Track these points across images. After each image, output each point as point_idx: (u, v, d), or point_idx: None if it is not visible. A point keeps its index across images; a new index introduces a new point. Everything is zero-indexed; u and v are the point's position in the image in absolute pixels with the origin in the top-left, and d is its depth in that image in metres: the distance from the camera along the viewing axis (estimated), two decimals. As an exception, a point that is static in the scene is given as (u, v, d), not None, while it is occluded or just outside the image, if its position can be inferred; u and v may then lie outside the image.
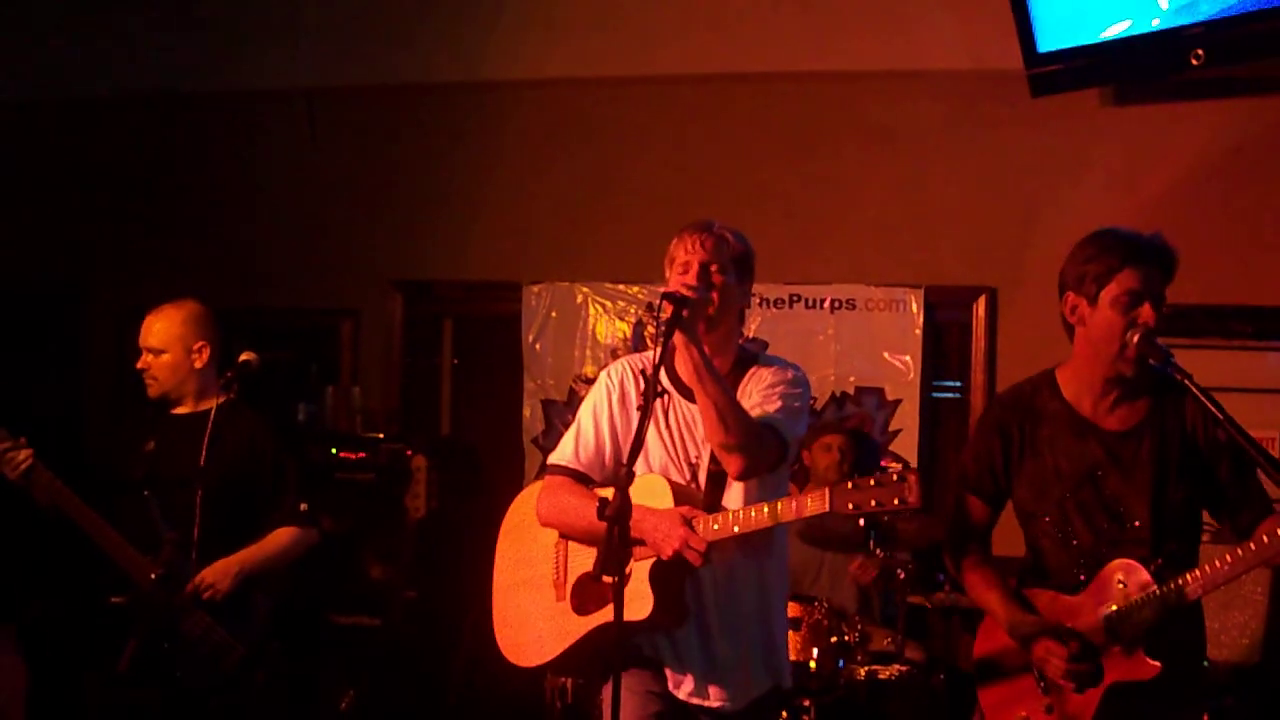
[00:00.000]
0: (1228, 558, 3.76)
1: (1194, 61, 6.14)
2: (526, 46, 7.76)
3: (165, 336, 5.18)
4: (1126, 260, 3.92)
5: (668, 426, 4.16)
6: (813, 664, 5.81)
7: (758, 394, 4.15)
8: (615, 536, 3.61)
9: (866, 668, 5.95)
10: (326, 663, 6.77)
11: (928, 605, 6.28)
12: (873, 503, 3.73)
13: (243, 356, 5.03)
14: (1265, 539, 3.68)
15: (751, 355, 4.31)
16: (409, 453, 7.20)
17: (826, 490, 3.81)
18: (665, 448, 4.14)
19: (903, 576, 6.18)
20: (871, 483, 3.74)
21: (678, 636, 4.11)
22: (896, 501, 3.72)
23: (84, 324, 8.37)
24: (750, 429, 3.96)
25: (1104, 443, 3.97)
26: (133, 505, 4.99)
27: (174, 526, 4.87)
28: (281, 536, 5.16)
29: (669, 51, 7.57)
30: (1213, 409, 3.75)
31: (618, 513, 3.61)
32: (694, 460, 4.15)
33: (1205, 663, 4.11)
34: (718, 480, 4.11)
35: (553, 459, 4.33)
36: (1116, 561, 3.90)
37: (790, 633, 5.72)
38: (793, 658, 5.72)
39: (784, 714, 5.77)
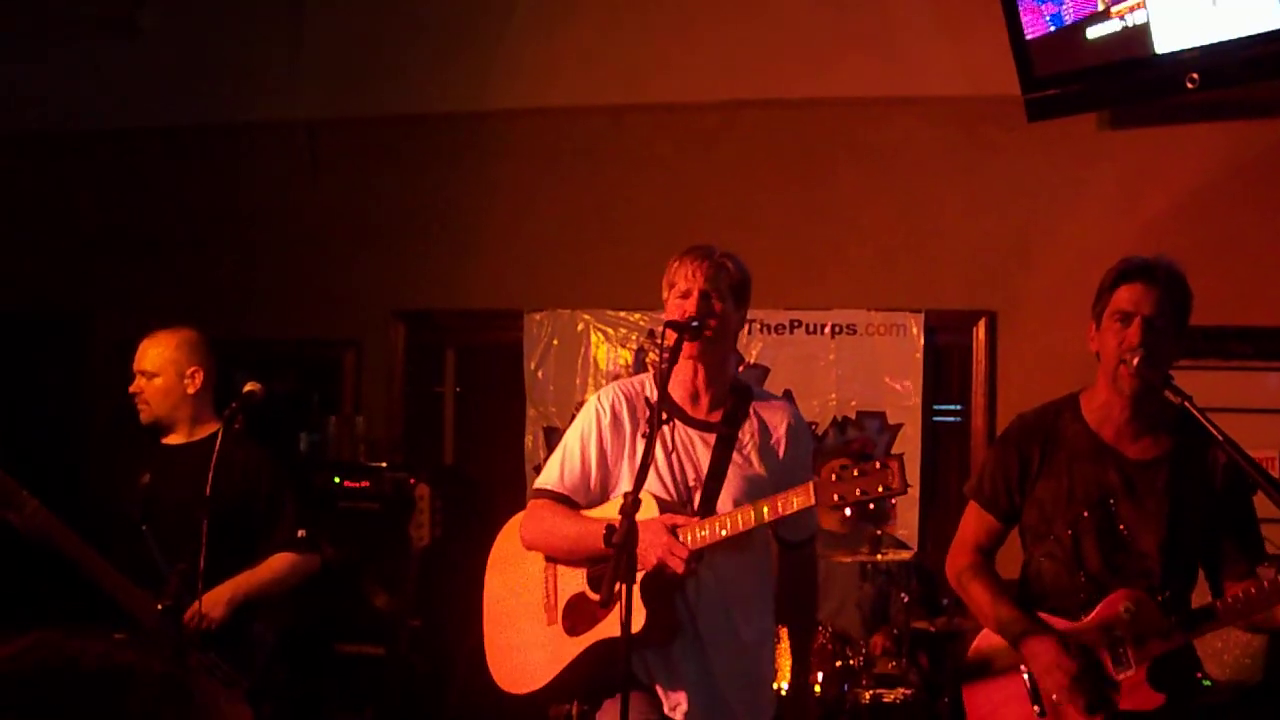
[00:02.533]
0: (1251, 589, 3.78)
1: (1189, 85, 6.17)
2: (525, 75, 7.78)
3: (159, 361, 5.17)
4: (1117, 280, 3.95)
5: (665, 451, 4.18)
6: (817, 688, 5.81)
7: (796, 456, 4.22)
8: (623, 563, 3.62)
9: (871, 691, 5.96)
10: (331, 692, 6.77)
11: (931, 629, 6.28)
12: (858, 491, 3.74)
13: (247, 387, 4.93)
14: (1267, 584, 3.72)
15: (745, 388, 4.34)
16: (412, 481, 7.20)
17: (811, 484, 3.83)
18: (660, 474, 4.15)
19: (906, 600, 6.20)
20: (855, 473, 3.75)
21: (672, 657, 4.12)
22: (881, 488, 3.72)
23: (86, 351, 8.37)
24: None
25: (1122, 470, 3.98)
26: (129, 541, 4.96)
27: (173, 560, 4.85)
28: (277, 562, 5.12)
29: (668, 79, 7.60)
30: (1213, 431, 3.77)
31: (625, 539, 3.63)
32: (690, 484, 4.17)
33: (1206, 682, 4.13)
34: (711, 503, 4.12)
35: (538, 483, 4.36)
36: (1124, 590, 3.91)
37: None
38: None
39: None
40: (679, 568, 3.88)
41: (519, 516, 4.43)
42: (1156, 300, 3.89)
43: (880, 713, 5.95)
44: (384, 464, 7.35)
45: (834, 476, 3.77)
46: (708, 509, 4.09)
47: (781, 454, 4.22)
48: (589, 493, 4.26)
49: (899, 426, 7.28)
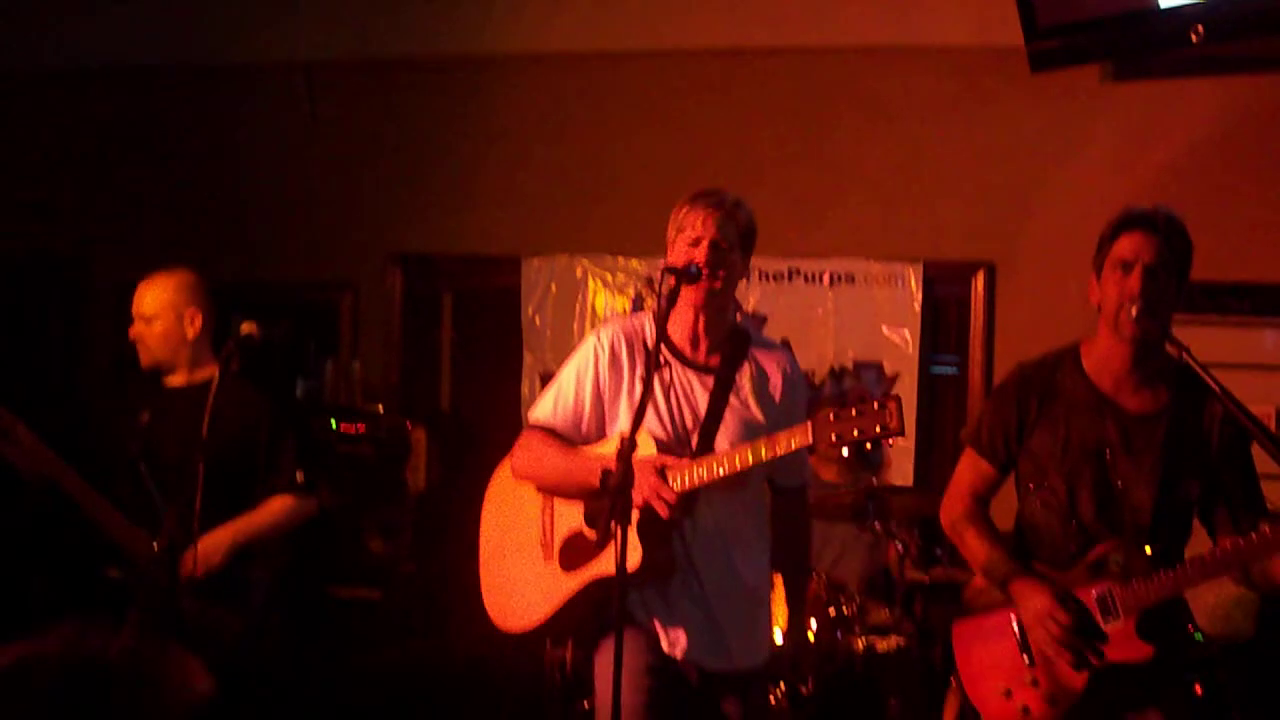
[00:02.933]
0: (1227, 545, 3.80)
1: (1194, 38, 6.14)
2: (526, 19, 7.74)
3: (157, 304, 5.15)
4: (1118, 230, 3.95)
5: (665, 395, 4.18)
6: (811, 636, 5.84)
7: (793, 403, 4.26)
8: (619, 506, 3.64)
9: (864, 640, 5.98)
10: (327, 636, 6.80)
11: (926, 580, 6.30)
12: (855, 432, 3.74)
13: (244, 328, 4.91)
14: (1267, 530, 3.73)
15: (744, 333, 4.35)
16: (409, 426, 7.21)
17: (809, 423, 3.83)
18: (659, 415, 4.15)
19: (901, 550, 6.21)
20: (853, 412, 3.74)
21: (671, 596, 4.14)
22: (878, 428, 3.71)
23: (85, 294, 8.37)
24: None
25: (1120, 423, 3.98)
26: (128, 479, 4.97)
27: (171, 500, 4.86)
28: (275, 505, 5.12)
29: (670, 26, 7.56)
30: (1211, 383, 3.78)
31: (621, 482, 3.64)
32: (688, 426, 4.17)
33: (1199, 636, 4.14)
34: (708, 444, 4.13)
35: (531, 416, 4.36)
36: (1112, 542, 3.93)
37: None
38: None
39: (781, 685, 5.80)
40: (663, 512, 3.89)
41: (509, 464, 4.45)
42: (1157, 249, 3.88)
43: (873, 661, 5.98)
44: (380, 408, 7.36)
45: (832, 416, 3.76)
46: (704, 450, 4.10)
47: (778, 399, 4.23)
48: (581, 430, 4.26)
49: (895, 377, 7.29)
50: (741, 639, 4.22)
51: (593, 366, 4.25)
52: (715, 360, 4.22)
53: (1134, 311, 3.84)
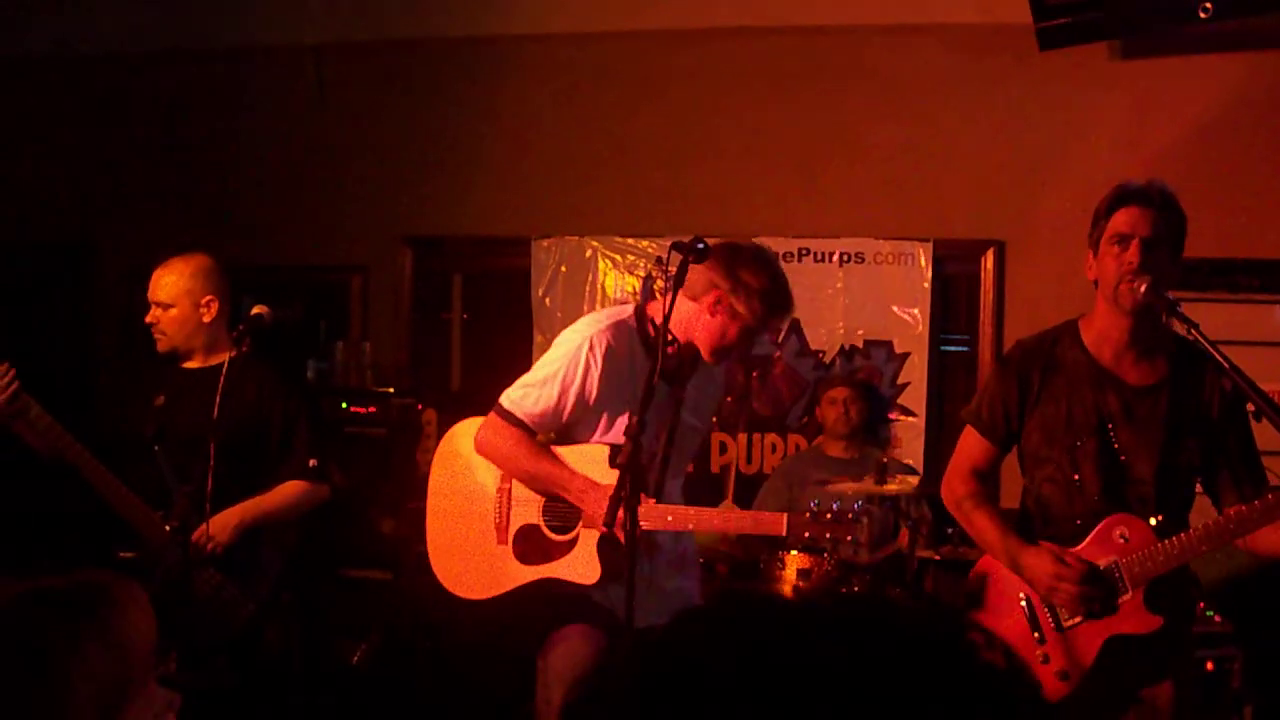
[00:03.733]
0: (1231, 513, 3.81)
1: (1202, 14, 6.14)
2: (536, 1, 7.75)
3: (173, 290, 5.15)
4: (1114, 204, 3.95)
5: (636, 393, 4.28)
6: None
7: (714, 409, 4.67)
8: (627, 485, 3.70)
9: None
10: (338, 616, 6.81)
11: (936, 557, 6.32)
12: (826, 535, 4.08)
13: (254, 310, 4.94)
14: (1271, 498, 3.74)
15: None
16: (419, 407, 7.22)
17: (785, 516, 4.12)
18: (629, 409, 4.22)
19: (911, 530, 6.23)
20: (828, 516, 4.05)
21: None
22: (849, 538, 4.16)
23: (93, 279, 8.39)
24: None
25: (1121, 395, 3.99)
26: (143, 461, 4.97)
27: (185, 481, 4.89)
28: (288, 489, 5.15)
29: (678, 6, 7.56)
30: (1220, 359, 3.79)
31: (630, 460, 3.70)
32: (651, 447, 4.27)
33: (1209, 613, 4.16)
34: (665, 467, 4.34)
35: (508, 401, 4.39)
36: (1117, 515, 3.94)
37: (800, 584, 5.81)
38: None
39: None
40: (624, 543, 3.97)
41: (475, 421, 4.48)
42: (1153, 222, 3.89)
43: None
44: (391, 390, 7.37)
45: (808, 516, 4.06)
46: (662, 472, 4.32)
47: (710, 406, 4.55)
48: (554, 428, 4.38)
49: (906, 355, 7.29)
50: (684, 598, 4.43)
51: (581, 379, 4.29)
52: (671, 363, 4.28)
53: (1137, 285, 3.85)
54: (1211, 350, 3.80)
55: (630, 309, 4.49)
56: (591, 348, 4.28)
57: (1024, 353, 4.17)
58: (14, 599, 1.81)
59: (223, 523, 4.94)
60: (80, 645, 1.81)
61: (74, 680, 1.79)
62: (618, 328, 4.36)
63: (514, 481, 4.40)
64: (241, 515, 5.00)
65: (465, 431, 4.49)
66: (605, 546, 4.16)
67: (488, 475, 4.43)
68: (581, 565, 4.24)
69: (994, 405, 4.16)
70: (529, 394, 4.34)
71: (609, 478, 4.05)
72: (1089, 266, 4.03)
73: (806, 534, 4.05)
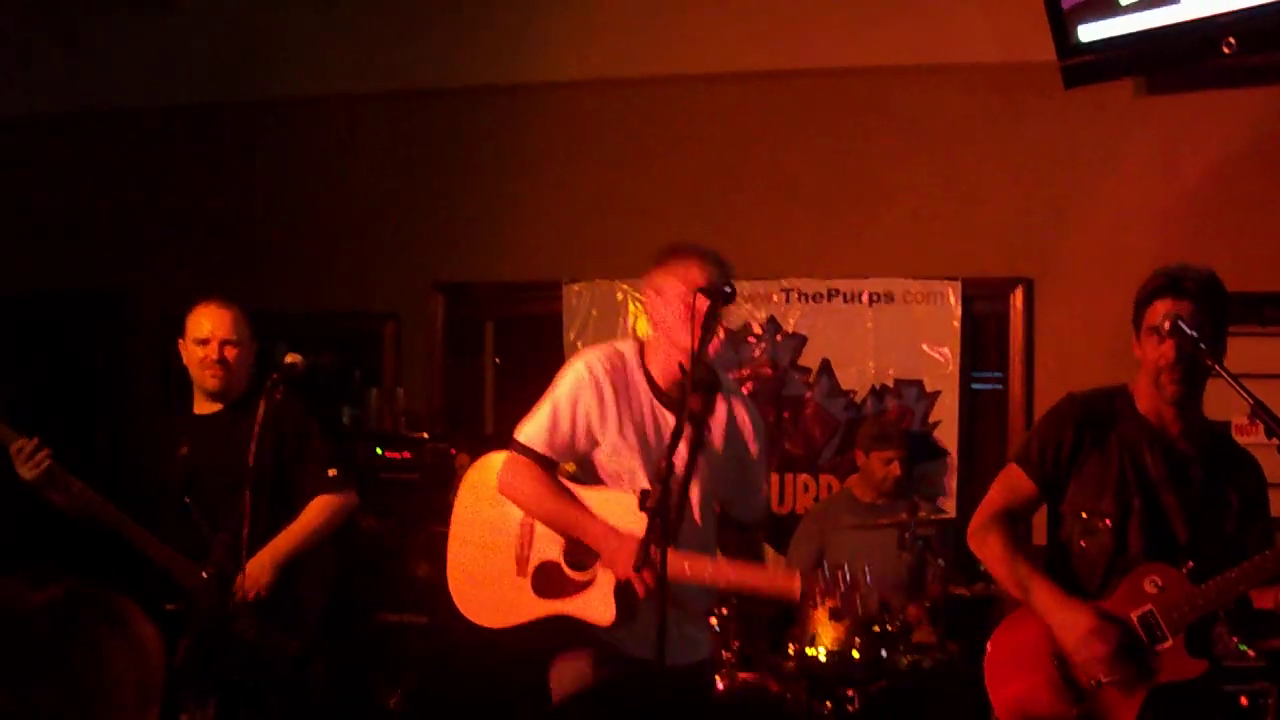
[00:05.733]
0: (1269, 553, 3.80)
1: (1226, 49, 6.16)
2: (562, 48, 7.81)
3: (240, 328, 5.19)
4: (1154, 295, 3.95)
5: (650, 429, 4.37)
6: (855, 654, 5.85)
7: (756, 449, 4.58)
8: (657, 527, 3.75)
9: (909, 657, 5.99)
10: (375, 661, 6.83)
11: (968, 594, 6.31)
12: (838, 601, 4.23)
13: (288, 358, 4.93)
14: None
15: (714, 375, 4.45)
16: (453, 451, 7.25)
17: (797, 578, 4.18)
18: (645, 453, 4.33)
19: (943, 566, 6.24)
20: (840, 587, 4.15)
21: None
22: (859, 603, 4.27)
23: (129, 327, 8.45)
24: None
25: (1170, 458, 4.01)
26: (176, 512, 5.02)
27: (218, 528, 4.91)
28: (314, 508, 5.13)
29: (703, 50, 7.61)
30: (1244, 395, 3.79)
31: (659, 504, 3.75)
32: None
33: (1242, 647, 4.14)
34: (680, 510, 4.31)
35: (522, 437, 4.44)
36: (1146, 565, 3.93)
37: (833, 623, 5.81)
38: (834, 648, 5.81)
39: (828, 704, 5.83)
40: (641, 594, 4.12)
41: (499, 456, 4.53)
42: (1190, 314, 3.89)
43: (918, 678, 5.99)
44: (425, 435, 7.41)
45: (822, 584, 4.14)
46: (678, 510, 4.28)
47: (746, 445, 4.53)
48: (570, 454, 4.44)
49: (937, 394, 7.29)
50: (694, 638, 4.51)
51: (581, 399, 4.37)
52: (693, 403, 4.26)
53: (1171, 393, 3.91)
54: (1236, 387, 3.80)
55: (631, 341, 4.56)
56: (590, 369, 4.38)
57: (1081, 404, 4.15)
58: (56, 598, 1.86)
59: (259, 567, 4.94)
60: (114, 646, 1.86)
61: (120, 675, 1.83)
62: (616, 354, 4.45)
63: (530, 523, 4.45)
64: (274, 553, 5.00)
65: (495, 464, 4.53)
66: (622, 590, 4.20)
67: (513, 508, 4.47)
68: (598, 605, 4.27)
69: (1044, 448, 4.12)
70: (539, 424, 4.41)
71: (630, 523, 4.13)
72: (1135, 345, 4.05)
73: (819, 597, 4.21)
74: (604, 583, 4.26)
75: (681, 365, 4.28)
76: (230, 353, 5.16)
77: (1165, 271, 3.98)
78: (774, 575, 4.31)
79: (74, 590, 1.85)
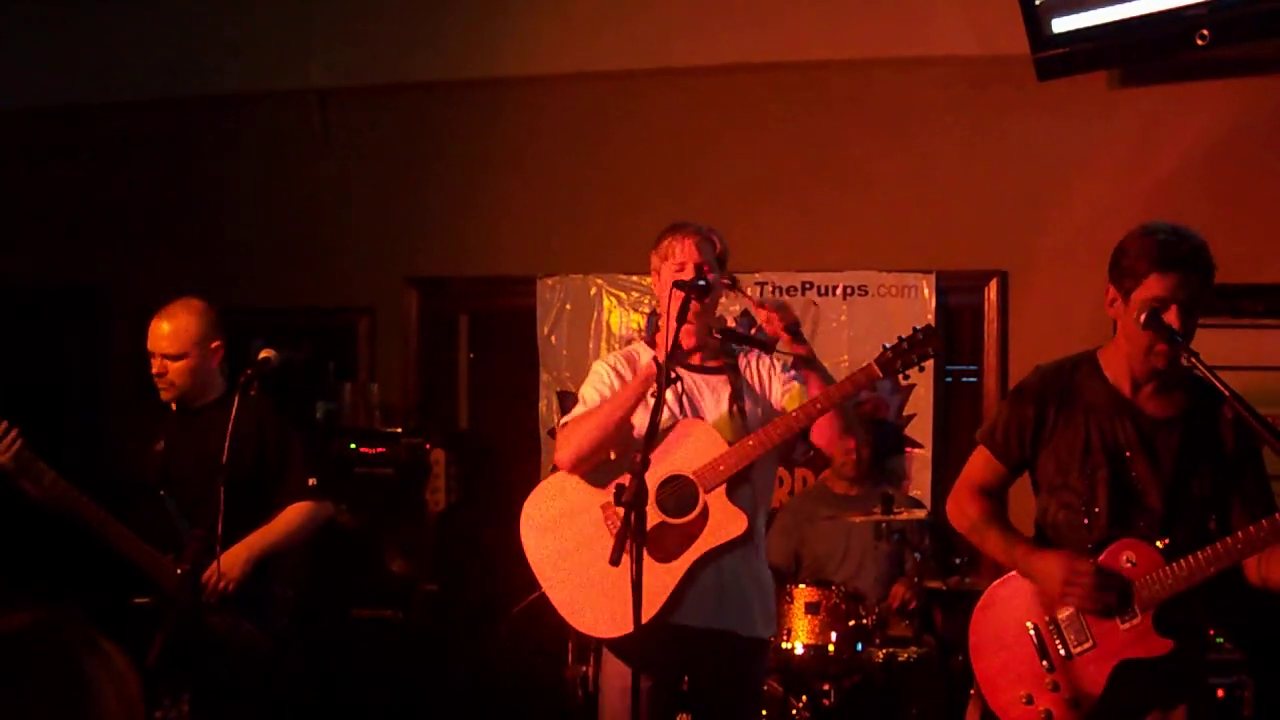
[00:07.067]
0: (1240, 535, 3.81)
1: (1199, 41, 6.16)
2: (537, 43, 7.79)
3: (184, 340, 5.12)
4: (1154, 266, 3.91)
5: (677, 402, 4.50)
6: (831, 647, 5.86)
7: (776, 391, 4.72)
8: (632, 520, 3.73)
9: (885, 650, 6.00)
10: (348, 656, 6.82)
11: (944, 588, 6.32)
12: (914, 358, 4.47)
13: (262, 354, 4.93)
14: (1279, 516, 3.75)
15: (729, 331, 4.81)
16: (427, 447, 7.25)
17: (872, 363, 4.50)
18: (675, 418, 4.47)
19: (919, 559, 6.24)
20: (905, 346, 4.48)
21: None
22: (931, 350, 4.47)
23: (104, 322, 8.41)
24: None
25: (1139, 426, 3.99)
26: (150, 507, 5.01)
27: (193, 524, 4.89)
28: (291, 513, 5.13)
29: (679, 45, 7.59)
30: (1221, 388, 3.79)
31: (635, 498, 3.74)
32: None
33: (1219, 640, 4.15)
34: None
35: (566, 418, 4.62)
36: (1123, 540, 3.94)
37: (809, 617, 5.81)
38: (810, 641, 5.81)
39: (804, 698, 5.83)
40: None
41: (543, 484, 4.61)
42: (1191, 288, 3.86)
43: (894, 671, 6.00)
44: (399, 430, 7.39)
45: (890, 353, 4.46)
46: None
47: (768, 390, 4.69)
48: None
49: (911, 387, 7.30)
50: (751, 614, 4.52)
51: (602, 383, 4.56)
52: (717, 363, 4.61)
53: (1161, 355, 3.88)
54: (1213, 379, 3.80)
55: (639, 345, 4.82)
56: (610, 363, 4.63)
57: (1043, 380, 4.16)
58: (39, 622, 1.84)
59: (232, 559, 4.94)
60: (98, 671, 1.84)
61: (107, 702, 1.81)
62: (627, 352, 4.71)
63: (612, 506, 4.37)
64: (249, 549, 5.01)
65: (544, 489, 4.60)
66: (734, 490, 4.37)
67: (590, 512, 4.48)
68: (729, 522, 4.35)
69: (1009, 429, 4.16)
70: (577, 410, 4.55)
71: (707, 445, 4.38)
72: (1109, 302, 4.02)
73: (899, 364, 4.51)
74: (719, 499, 4.35)
75: (655, 359, 4.35)
76: (171, 366, 5.13)
77: (1165, 241, 3.90)
78: (851, 376, 4.51)
79: (56, 614, 1.83)
